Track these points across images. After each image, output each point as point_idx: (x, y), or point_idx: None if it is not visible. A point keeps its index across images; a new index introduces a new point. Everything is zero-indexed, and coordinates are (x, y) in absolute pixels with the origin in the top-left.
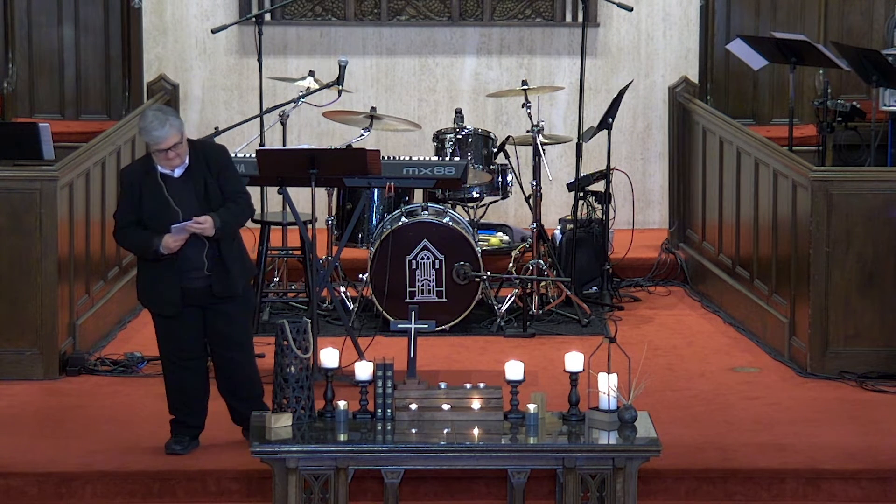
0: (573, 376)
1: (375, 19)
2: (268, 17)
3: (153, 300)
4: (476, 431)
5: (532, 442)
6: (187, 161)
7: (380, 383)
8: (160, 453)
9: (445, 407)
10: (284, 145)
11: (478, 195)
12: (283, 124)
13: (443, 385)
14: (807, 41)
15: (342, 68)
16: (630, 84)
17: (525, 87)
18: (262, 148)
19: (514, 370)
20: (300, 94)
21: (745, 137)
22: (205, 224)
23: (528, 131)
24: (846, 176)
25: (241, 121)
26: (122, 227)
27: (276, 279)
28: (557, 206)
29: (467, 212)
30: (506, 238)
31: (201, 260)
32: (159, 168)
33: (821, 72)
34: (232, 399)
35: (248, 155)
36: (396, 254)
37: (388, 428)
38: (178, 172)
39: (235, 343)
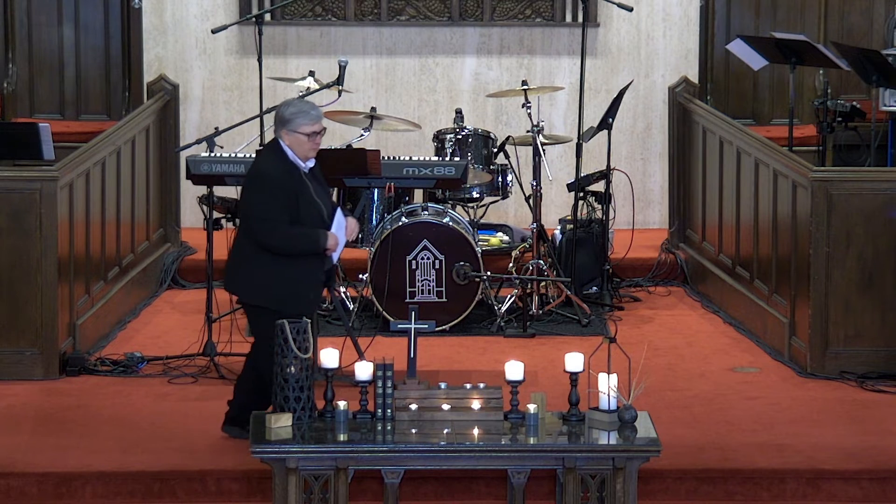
0: (573, 376)
1: (375, 19)
2: (268, 17)
3: (294, 300)
4: (476, 431)
5: (532, 442)
6: (313, 160)
7: (380, 383)
8: (160, 453)
9: (445, 407)
10: None
11: (478, 195)
12: None
13: (443, 385)
14: (807, 41)
15: (342, 68)
16: (630, 84)
17: (525, 87)
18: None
19: (514, 370)
20: (300, 94)
21: (745, 137)
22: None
23: (528, 131)
24: (846, 176)
25: (241, 121)
26: (280, 225)
27: None
28: (557, 206)
29: (467, 212)
30: (506, 238)
31: (331, 259)
32: (300, 166)
33: (821, 72)
34: (261, 398)
35: (248, 155)
36: (396, 254)
37: (388, 428)
38: (307, 167)
39: None
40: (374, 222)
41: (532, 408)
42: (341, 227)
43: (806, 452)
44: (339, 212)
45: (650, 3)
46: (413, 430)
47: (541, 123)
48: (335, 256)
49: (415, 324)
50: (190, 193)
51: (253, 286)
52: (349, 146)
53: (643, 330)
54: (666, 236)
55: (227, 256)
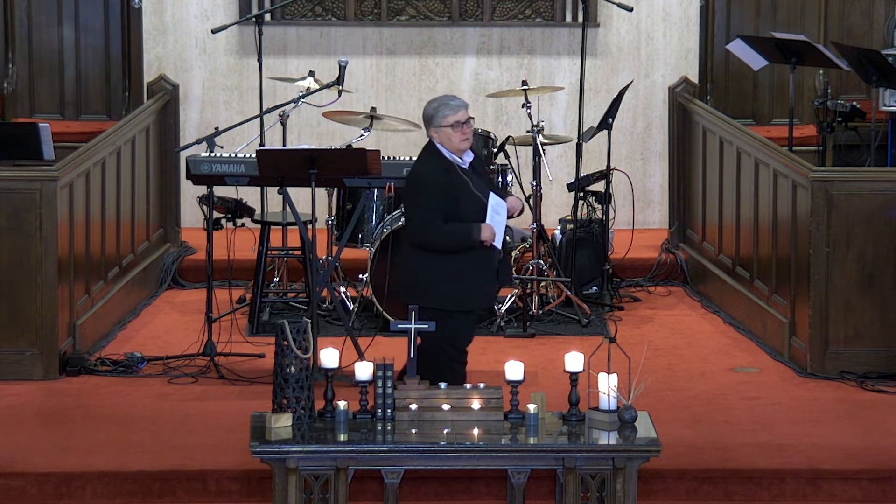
0: (573, 376)
1: (375, 19)
2: (268, 17)
3: (469, 296)
4: (476, 431)
5: (532, 442)
6: (471, 154)
7: (380, 383)
8: (160, 453)
9: (445, 407)
10: (284, 145)
11: None
12: (283, 124)
13: (443, 385)
14: (807, 41)
15: (342, 68)
16: (630, 84)
17: (525, 87)
18: (262, 148)
19: (514, 370)
20: (300, 94)
21: (745, 137)
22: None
23: (528, 131)
24: (846, 176)
25: (241, 121)
26: (433, 223)
27: (276, 279)
28: (557, 206)
29: None
30: (506, 238)
31: (499, 251)
32: (458, 163)
33: (821, 72)
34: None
35: (248, 155)
36: (396, 254)
37: (388, 428)
38: (466, 163)
39: None
40: (373, 222)
41: (532, 408)
42: (498, 212)
43: (806, 452)
44: (492, 196)
45: (650, 3)
46: (413, 430)
47: (541, 123)
48: (497, 244)
49: (415, 324)
50: (190, 193)
51: (432, 292)
52: (349, 146)
53: (643, 330)
54: (666, 236)
55: (398, 269)
